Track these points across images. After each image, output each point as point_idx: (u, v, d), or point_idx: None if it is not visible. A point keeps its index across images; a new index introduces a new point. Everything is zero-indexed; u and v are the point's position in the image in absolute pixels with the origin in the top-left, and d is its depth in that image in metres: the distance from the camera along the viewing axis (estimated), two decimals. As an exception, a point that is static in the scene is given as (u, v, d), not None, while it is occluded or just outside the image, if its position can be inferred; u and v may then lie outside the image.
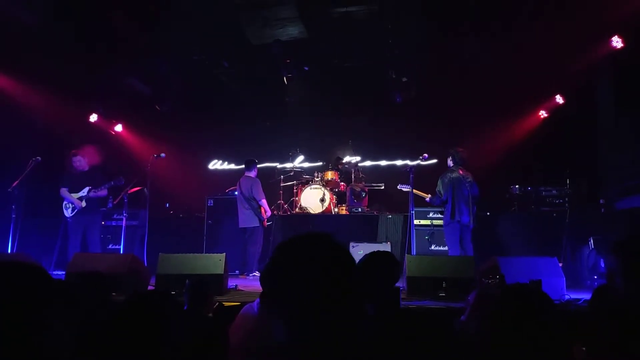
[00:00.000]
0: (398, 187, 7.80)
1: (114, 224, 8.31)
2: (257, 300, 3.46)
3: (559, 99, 9.19)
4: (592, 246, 6.90)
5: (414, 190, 7.37)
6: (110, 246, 8.14)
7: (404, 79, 8.92)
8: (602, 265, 6.50)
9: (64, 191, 7.43)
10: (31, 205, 8.03)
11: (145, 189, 8.20)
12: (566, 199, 8.12)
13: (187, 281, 5.29)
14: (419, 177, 7.66)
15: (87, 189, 7.39)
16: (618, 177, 8.09)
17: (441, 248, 8.02)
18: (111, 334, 2.65)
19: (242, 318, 3.44)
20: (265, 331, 3.45)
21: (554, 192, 8.29)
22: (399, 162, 11.05)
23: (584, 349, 2.88)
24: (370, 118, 10.60)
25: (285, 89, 10.28)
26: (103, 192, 7.48)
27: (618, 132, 8.17)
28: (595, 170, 8.59)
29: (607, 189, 8.21)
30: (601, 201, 7.97)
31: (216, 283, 5.24)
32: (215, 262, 5.45)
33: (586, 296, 5.29)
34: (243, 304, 4.79)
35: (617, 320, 2.65)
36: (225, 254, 5.57)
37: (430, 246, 8.09)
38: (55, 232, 7.89)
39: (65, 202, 7.42)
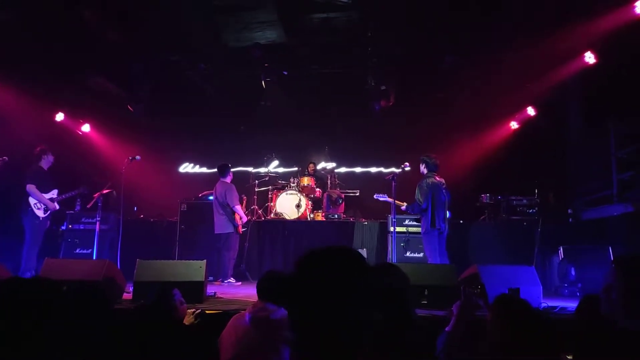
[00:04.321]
0: (374, 196, 7.76)
1: (82, 227, 7.98)
2: (248, 309, 3.41)
3: (531, 111, 9.43)
4: (562, 255, 7.11)
5: (391, 199, 7.37)
6: (78, 250, 7.83)
7: (383, 87, 8.98)
8: (573, 273, 6.71)
9: (32, 188, 6.90)
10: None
11: (114, 192, 7.96)
12: (536, 208, 8.34)
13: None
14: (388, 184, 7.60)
15: (55, 191, 7.10)
16: (584, 189, 8.39)
17: (416, 255, 8.08)
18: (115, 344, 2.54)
19: (234, 327, 3.38)
20: (256, 341, 3.39)
21: (525, 201, 8.48)
22: (373, 169, 11.14)
23: (569, 358, 2.94)
24: (347, 125, 10.64)
25: (261, 92, 10.18)
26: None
27: (585, 145, 8.48)
28: (563, 181, 8.87)
29: (574, 199, 8.50)
30: (569, 211, 8.25)
31: (196, 290, 5.12)
32: (195, 269, 5.32)
33: (559, 304, 5.44)
34: (225, 311, 4.70)
35: (605, 333, 2.71)
36: (206, 261, 5.45)
37: (406, 253, 8.13)
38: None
39: (33, 201, 6.92)
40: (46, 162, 7.21)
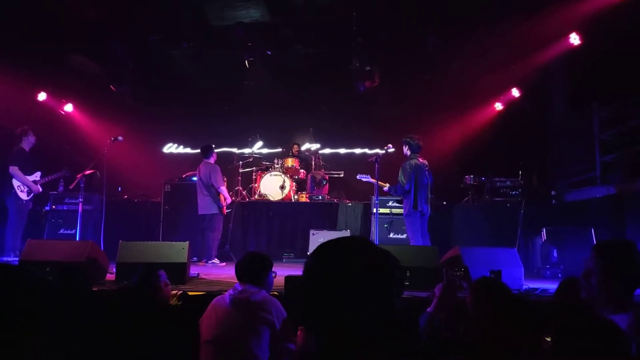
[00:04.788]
0: (357, 177, 7.78)
1: (65, 208, 7.90)
2: (229, 291, 3.41)
3: (515, 92, 9.44)
4: (545, 236, 7.18)
5: (374, 180, 7.36)
6: (62, 231, 7.77)
7: (367, 68, 8.91)
8: (555, 255, 6.79)
9: (15, 170, 6.88)
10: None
11: (97, 173, 7.88)
12: (519, 190, 8.40)
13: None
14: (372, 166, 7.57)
15: (38, 173, 7.03)
16: (568, 171, 8.47)
17: (399, 236, 8.12)
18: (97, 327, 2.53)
19: (214, 309, 3.39)
20: (237, 323, 3.39)
21: (508, 183, 8.54)
22: (357, 151, 11.13)
23: (548, 339, 2.99)
24: (331, 105, 10.58)
25: (244, 72, 10.05)
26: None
27: (569, 127, 8.53)
28: (547, 163, 8.93)
29: (557, 181, 8.57)
30: (552, 193, 8.33)
31: (179, 272, 5.10)
32: (178, 250, 5.30)
33: (541, 285, 5.50)
34: (207, 293, 4.70)
35: (583, 319, 2.75)
36: (188, 242, 5.43)
37: (389, 234, 8.17)
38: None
39: (17, 184, 6.91)
40: (27, 143, 7.12)
